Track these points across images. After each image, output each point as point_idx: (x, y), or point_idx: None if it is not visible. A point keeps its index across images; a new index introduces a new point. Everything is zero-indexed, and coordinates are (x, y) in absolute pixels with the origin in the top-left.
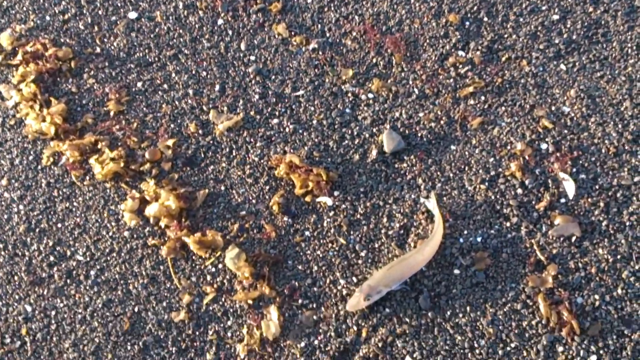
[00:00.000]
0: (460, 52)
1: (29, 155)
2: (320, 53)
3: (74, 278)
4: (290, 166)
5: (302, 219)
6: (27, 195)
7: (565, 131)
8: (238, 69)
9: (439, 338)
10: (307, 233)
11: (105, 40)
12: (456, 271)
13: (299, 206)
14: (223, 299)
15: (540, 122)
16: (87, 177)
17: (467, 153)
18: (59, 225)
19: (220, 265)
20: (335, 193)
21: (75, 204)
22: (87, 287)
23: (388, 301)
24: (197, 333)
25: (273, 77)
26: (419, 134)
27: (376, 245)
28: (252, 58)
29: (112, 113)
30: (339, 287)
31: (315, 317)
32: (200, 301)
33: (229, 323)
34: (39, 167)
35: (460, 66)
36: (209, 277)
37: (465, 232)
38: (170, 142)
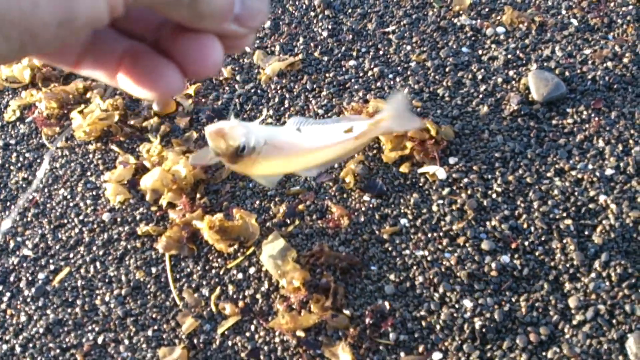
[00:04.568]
0: None
1: None
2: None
3: (10, 284)
4: None
5: (394, 199)
6: None
7: None
8: (299, 3)
9: None
10: (403, 221)
11: None
12: None
13: (389, 179)
14: (253, 328)
15: None
16: (64, 138)
17: None
18: (8, 204)
19: (252, 269)
20: (452, 160)
21: (38, 173)
22: (29, 300)
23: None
24: None
25: (349, 10)
26: (588, 77)
27: (526, 244)
28: None
29: None
30: (464, 312)
31: None
32: (212, 330)
33: None
34: None
35: None
36: (231, 289)
37: None
38: (192, 90)
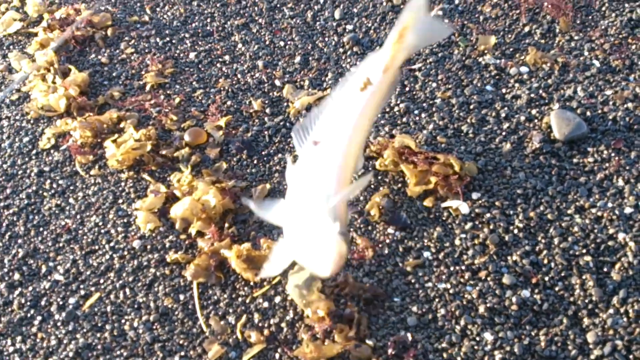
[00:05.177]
0: None
1: (24, 137)
2: (447, 21)
3: (42, 307)
4: (402, 153)
5: (418, 232)
6: (7, 187)
7: None
8: (329, 39)
9: None
10: (426, 254)
11: (158, 9)
12: None
13: (413, 213)
14: (277, 356)
15: None
16: (97, 166)
17: None
18: (41, 229)
19: (277, 298)
20: (475, 195)
21: (71, 200)
22: (59, 324)
23: None
24: None
25: (377, 47)
26: (609, 117)
27: (546, 279)
28: (349, 27)
29: (148, 87)
30: (484, 345)
31: None
32: (237, 357)
33: None
34: (34, 151)
35: None
36: (257, 317)
37: None
38: (222, 121)
